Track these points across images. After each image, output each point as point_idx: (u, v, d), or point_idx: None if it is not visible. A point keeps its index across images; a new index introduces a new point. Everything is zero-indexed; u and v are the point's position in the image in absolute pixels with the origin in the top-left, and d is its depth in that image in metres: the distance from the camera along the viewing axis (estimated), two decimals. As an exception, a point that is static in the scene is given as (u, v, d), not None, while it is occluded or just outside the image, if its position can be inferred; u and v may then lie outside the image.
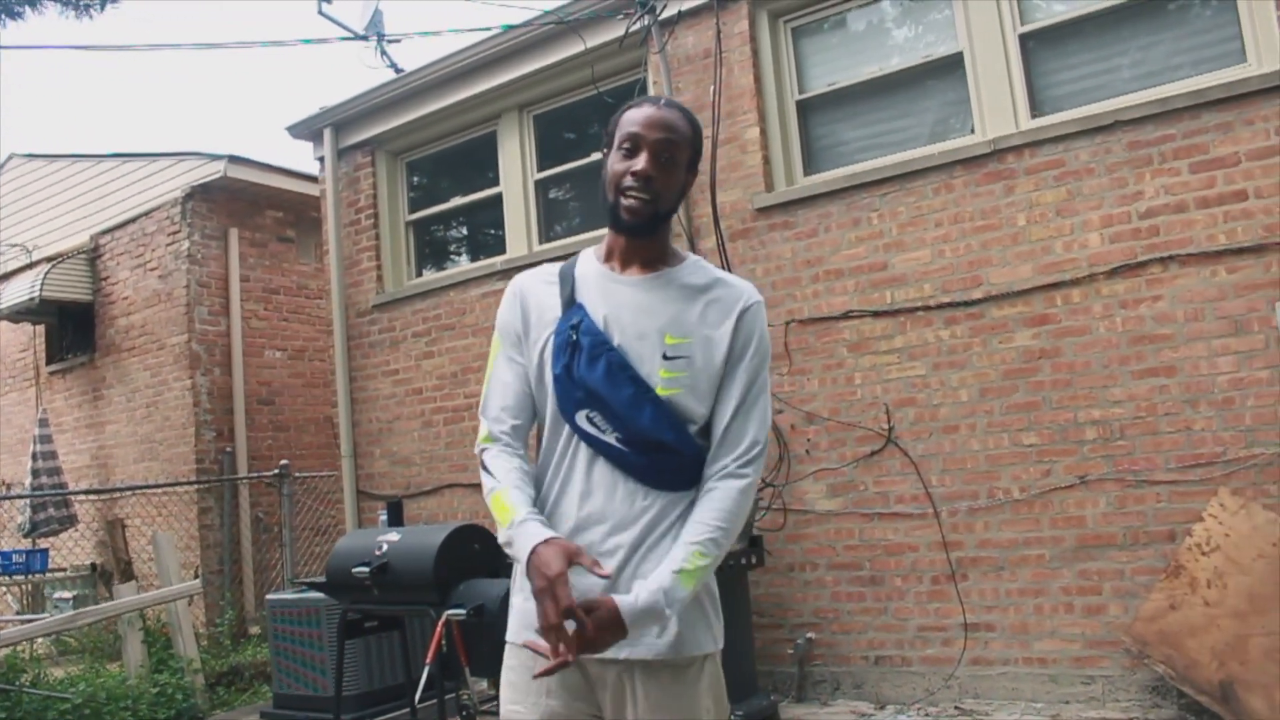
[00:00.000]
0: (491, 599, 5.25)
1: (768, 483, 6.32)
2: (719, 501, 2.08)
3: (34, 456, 10.40)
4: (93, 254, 11.06)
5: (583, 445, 2.11)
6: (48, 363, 11.78)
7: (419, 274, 8.63)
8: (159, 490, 9.61)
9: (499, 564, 5.83)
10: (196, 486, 9.60)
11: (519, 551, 1.99)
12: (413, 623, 5.95)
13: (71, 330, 11.47)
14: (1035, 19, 5.92)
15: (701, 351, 2.10)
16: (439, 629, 5.22)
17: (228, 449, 9.97)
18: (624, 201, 2.10)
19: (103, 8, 7.83)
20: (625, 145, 2.11)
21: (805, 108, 6.65)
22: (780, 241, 6.44)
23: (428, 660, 5.05)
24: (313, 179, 9.56)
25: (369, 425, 8.45)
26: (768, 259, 6.48)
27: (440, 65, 7.92)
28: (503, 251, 7.93)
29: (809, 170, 6.58)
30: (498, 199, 7.98)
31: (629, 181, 2.09)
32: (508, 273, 7.67)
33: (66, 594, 10.33)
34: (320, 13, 8.56)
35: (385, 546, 5.49)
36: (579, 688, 2.10)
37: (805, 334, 6.31)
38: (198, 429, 9.79)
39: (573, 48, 7.17)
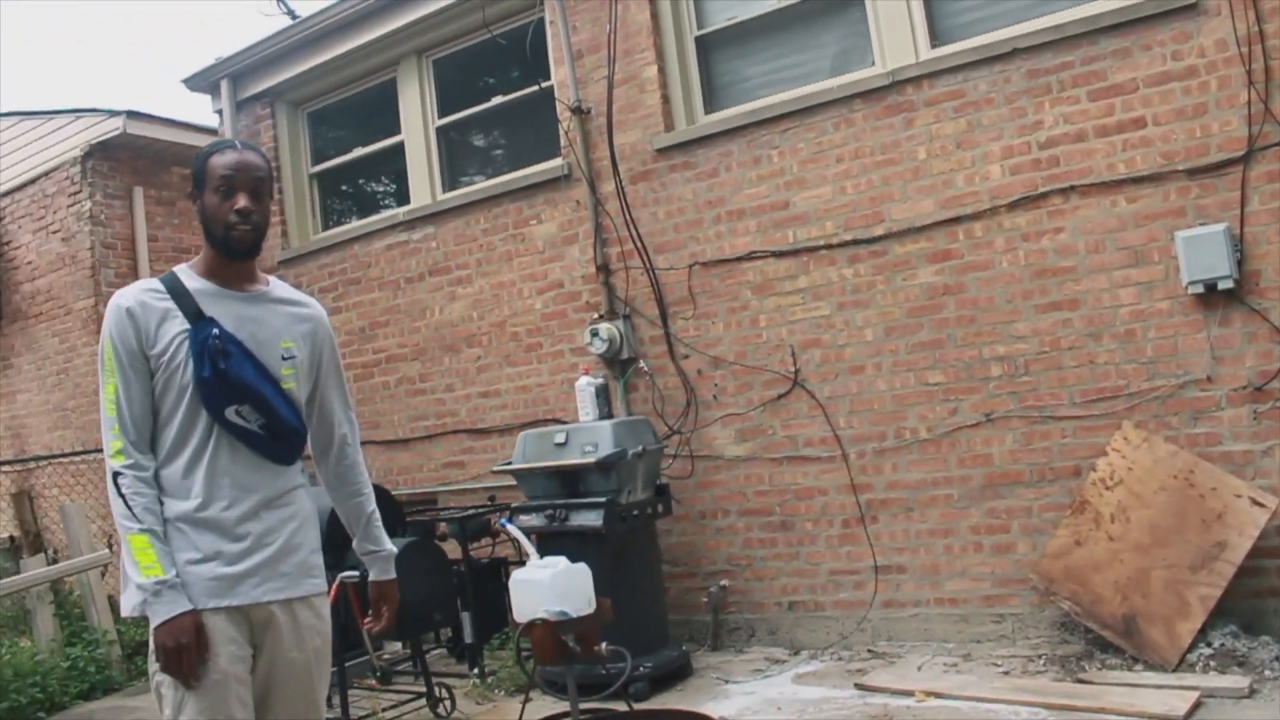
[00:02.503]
0: (387, 560, 5.11)
1: (675, 430, 6.21)
2: (363, 472, 2.88)
3: (-58, 429, 10.08)
4: (-7, 217, 10.66)
5: (225, 436, 2.51)
6: (-45, 332, 11.37)
7: (325, 228, 8.36)
8: (74, 459, 9.32)
9: (396, 524, 5.69)
10: (111, 454, 9.30)
11: (161, 609, 2.37)
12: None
13: (-22, 298, 11.07)
14: (935, -56, 5.73)
15: (304, 352, 2.67)
16: (332, 592, 5.07)
17: (143, 413, 9.67)
18: (233, 234, 2.52)
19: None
20: (221, 188, 2.52)
21: (705, 44, 6.44)
22: (681, 183, 6.25)
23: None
24: (217, 133, 9.21)
25: (280, 385, 8.21)
26: (669, 201, 6.30)
27: (336, 10, 7.59)
28: (407, 201, 7.69)
29: (709, 108, 6.39)
30: (400, 148, 7.73)
31: (233, 218, 2.51)
32: (411, 223, 7.45)
33: (-13, 567, 10.08)
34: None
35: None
36: (242, 637, 2.48)
37: (709, 277, 6.16)
38: (109, 395, 9.48)
39: (469, -13, 6.90)
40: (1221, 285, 4.78)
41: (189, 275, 2.59)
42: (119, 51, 42.45)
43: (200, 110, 24.29)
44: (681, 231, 6.25)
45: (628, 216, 6.34)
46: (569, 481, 5.58)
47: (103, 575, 7.86)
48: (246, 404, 2.51)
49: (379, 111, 7.98)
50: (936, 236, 5.49)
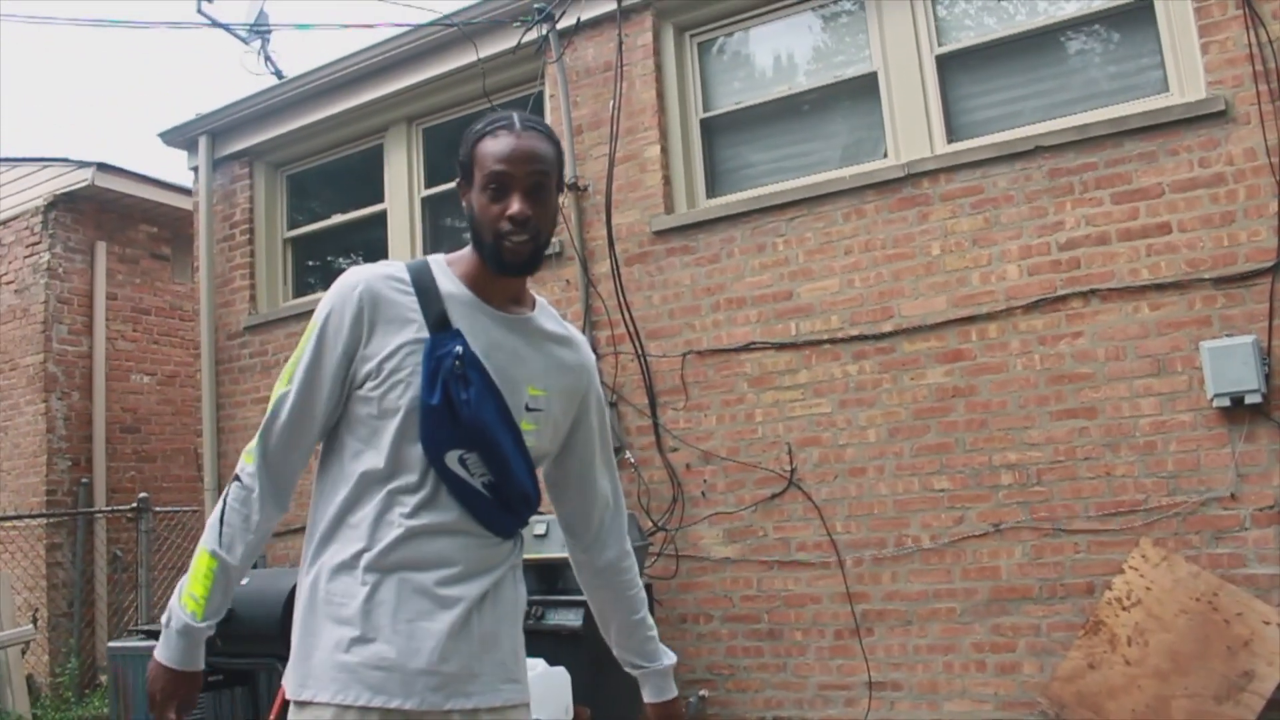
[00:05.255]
0: (347, 652, 4.69)
1: (659, 526, 5.86)
2: (632, 562, 2.28)
3: None
4: (-56, 266, 10.20)
5: (440, 487, 1.93)
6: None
7: (297, 294, 8.02)
8: (4, 524, 8.75)
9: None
10: (45, 520, 8.77)
11: (168, 648, 1.93)
12: (265, 677, 5.33)
13: (-81, 348, 10.54)
14: (953, 40, 5.62)
15: (556, 406, 2.07)
16: (283, 687, 4.63)
17: (84, 480, 9.17)
18: (506, 245, 1.93)
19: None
20: (492, 185, 1.93)
21: (710, 127, 6.26)
22: (679, 267, 6.01)
23: (270, 722, 4.47)
24: (190, 192, 8.90)
25: (235, 457, 7.76)
26: (665, 286, 6.04)
27: (325, 71, 7.38)
28: (386, 272, 7.38)
29: (712, 193, 6.18)
30: (382, 217, 7.44)
31: (506, 227, 1.92)
32: (390, 295, 7.12)
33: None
34: (199, 10, 7.98)
35: (231, 591, 4.90)
36: None
37: (703, 366, 5.88)
38: (50, 457, 8.98)
39: (465, 57, 6.70)
40: (1249, 399, 4.57)
41: (444, 272, 2.02)
42: (94, 103, 42.23)
43: (176, 169, 24.06)
44: (677, 318, 5.99)
45: (621, 299, 6.08)
46: (546, 577, 5.20)
47: (23, 653, 7.29)
48: (475, 451, 1.94)
49: (362, 178, 7.72)
50: (948, 336, 5.26)
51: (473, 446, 1.93)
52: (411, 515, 1.92)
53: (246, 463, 1.97)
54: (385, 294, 1.96)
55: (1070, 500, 4.95)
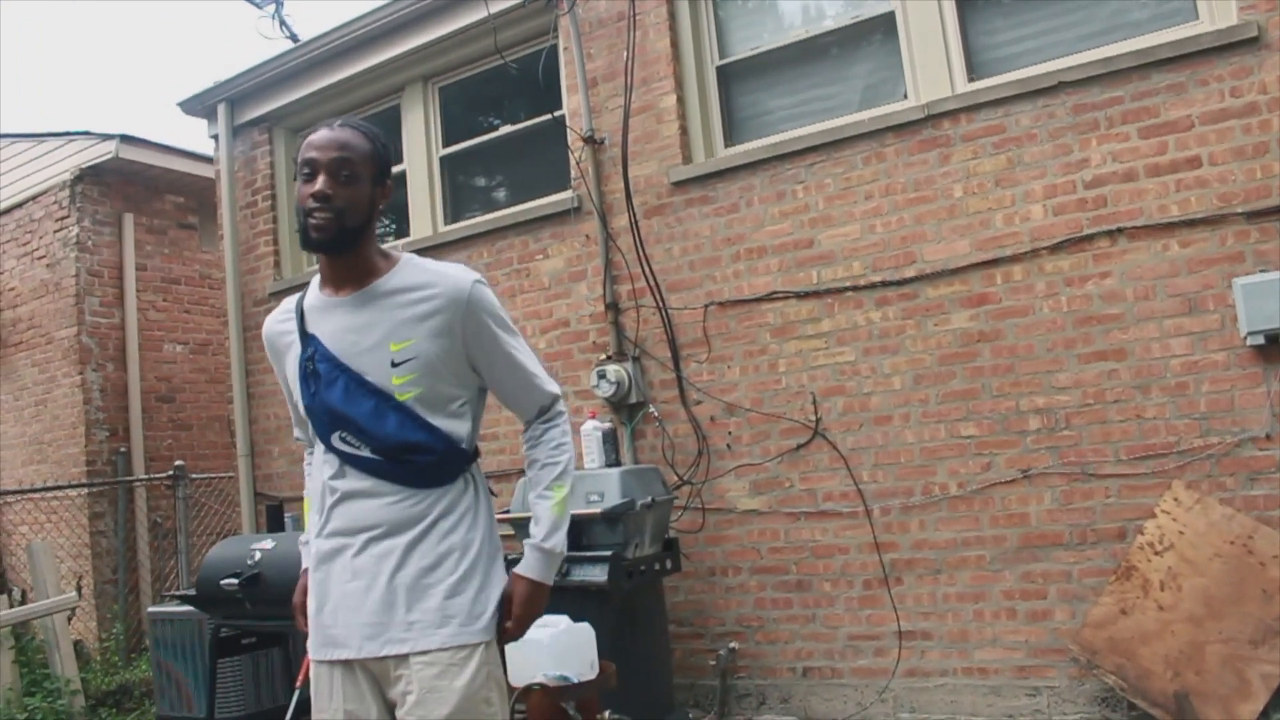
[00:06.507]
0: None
1: (685, 480, 5.81)
2: (545, 445, 2.41)
3: (-87, 460, 9.65)
4: (-24, 242, 10.30)
5: (345, 464, 2.27)
6: (-68, 359, 10.97)
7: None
8: (48, 495, 8.89)
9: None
10: (88, 490, 8.89)
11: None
12: (297, 639, 5.38)
13: (-42, 325, 10.68)
14: (972, -25, 5.46)
15: (431, 347, 2.24)
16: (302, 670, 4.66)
17: (122, 449, 9.27)
18: (310, 221, 2.18)
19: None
20: (305, 171, 2.21)
21: (726, 74, 6.13)
22: (699, 218, 5.92)
23: (297, 684, 4.51)
24: (212, 160, 8.89)
25: (267, 422, 7.83)
26: (685, 237, 5.96)
27: (339, 33, 7.31)
28: (406, 233, 7.35)
29: (730, 141, 6.07)
30: (402, 177, 7.39)
31: (310, 204, 2.18)
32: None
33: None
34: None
35: (258, 555, 4.94)
36: (369, 687, 2.26)
37: (725, 318, 5.80)
38: (88, 428, 9.09)
39: (477, 13, 6.59)
40: (1284, 336, 4.44)
41: (312, 288, 2.37)
42: (114, 75, 42.42)
43: (196, 136, 24.09)
44: (697, 269, 5.90)
45: (640, 252, 6.00)
46: (571, 532, 5.17)
47: (69, 619, 7.42)
48: (345, 429, 2.26)
49: (381, 140, 7.66)
50: (972, 279, 5.15)
51: (342, 425, 2.25)
52: (334, 491, 2.29)
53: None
54: (275, 330, 2.41)
55: (1100, 444, 4.84)
